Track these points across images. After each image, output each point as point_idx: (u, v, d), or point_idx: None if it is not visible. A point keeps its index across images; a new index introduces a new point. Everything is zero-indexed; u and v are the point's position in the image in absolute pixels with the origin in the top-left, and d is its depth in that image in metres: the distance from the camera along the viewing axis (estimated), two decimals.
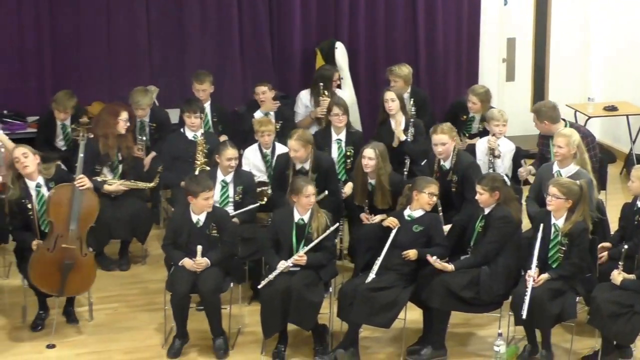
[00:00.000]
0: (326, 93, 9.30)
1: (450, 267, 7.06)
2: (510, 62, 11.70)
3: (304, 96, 9.65)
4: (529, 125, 8.63)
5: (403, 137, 8.59)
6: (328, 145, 8.58)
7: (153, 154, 9.13)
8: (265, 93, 9.27)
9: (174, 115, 9.50)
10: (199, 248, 7.13)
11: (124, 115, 8.49)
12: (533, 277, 6.83)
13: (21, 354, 7.23)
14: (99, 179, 8.29)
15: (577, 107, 11.10)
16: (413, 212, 7.28)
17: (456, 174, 7.94)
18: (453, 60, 11.17)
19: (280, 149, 8.48)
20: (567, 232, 6.95)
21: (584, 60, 11.81)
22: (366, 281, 7.00)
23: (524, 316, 6.77)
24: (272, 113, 9.22)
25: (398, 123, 8.65)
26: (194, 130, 8.68)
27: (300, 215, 7.22)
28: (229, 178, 8.00)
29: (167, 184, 8.76)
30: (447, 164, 8.01)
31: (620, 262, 6.90)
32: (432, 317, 7.16)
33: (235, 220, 7.78)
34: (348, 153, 8.47)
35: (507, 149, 8.50)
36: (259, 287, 7.12)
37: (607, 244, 7.39)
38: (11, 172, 7.52)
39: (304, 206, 7.21)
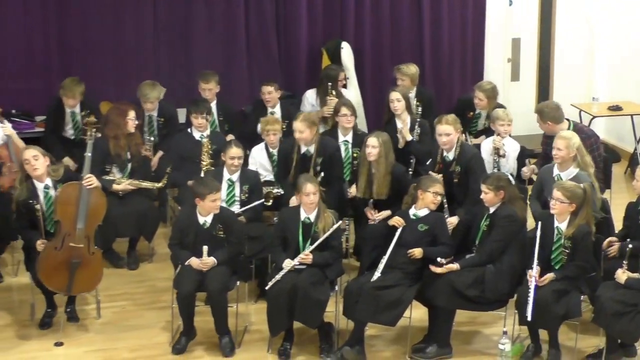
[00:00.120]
0: (334, 93, 9.34)
1: (455, 266, 7.08)
2: (515, 62, 11.72)
3: (310, 96, 9.69)
4: (534, 125, 8.65)
5: (409, 137, 8.59)
6: None
7: (160, 153, 9.17)
8: (271, 93, 9.32)
9: (180, 115, 9.53)
10: (205, 248, 7.15)
11: (132, 114, 8.52)
12: (535, 277, 6.85)
13: (29, 351, 7.25)
14: (107, 177, 8.32)
15: (582, 107, 11.13)
16: (418, 211, 7.31)
17: (459, 165, 7.95)
18: (458, 60, 11.21)
19: None
20: (571, 236, 6.96)
21: (588, 60, 11.82)
22: (372, 280, 7.02)
23: (529, 318, 6.79)
24: (278, 112, 9.25)
25: (404, 123, 8.66)
26: (201, 130, 8.71)
27: (306, 214, 7.26)
28: (235, 177, 8.02)
29: (174, 183, 8.78)
30: (450, 155, 8.02)
31: (624, 261, 6.91)
32: (437, 316, 7.19)
33: (241, 218, 7.82)
34: (355, 155, 8.42)
35: (511, 149, 8.52)
36: (266, 287, 7.14)
37: (614, 238, 7.37)
38: (20, 172, 7.54)
39: (306, 204, 7.24)
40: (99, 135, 8.12)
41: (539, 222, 7.06)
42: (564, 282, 6.93)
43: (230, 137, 9.02)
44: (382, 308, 6.99)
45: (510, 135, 8.62)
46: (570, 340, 7.23)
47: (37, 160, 7.42)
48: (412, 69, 9.49)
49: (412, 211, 7.32)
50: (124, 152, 8.46)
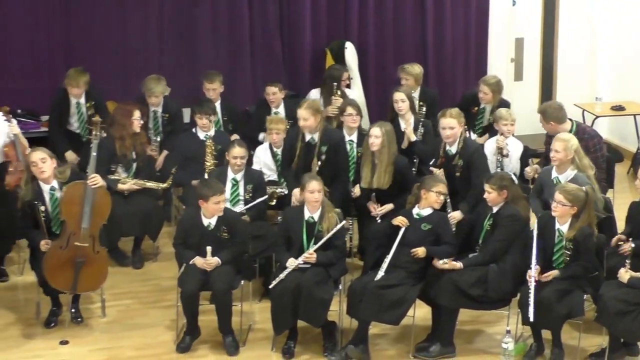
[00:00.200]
0: (339, 93, 9.36)
1: (458, 265, 7.10)
2: (518, 62, 11.74)
3: (314, 95, 9.70)
4: (537, 125, 8.65)
5: (414, 138, 8.57)
6: None
7: (165, 152, 9.19)
8: (275, 94, 9.34)
9: (185, 115, 9.55)
10: (209, 249, 7.18)
11: (137, 114, 8.54)
12: (534, 277, 6.87)
13: (34, 349, 7.28)
14: (112, 177, 8.35)
15: (585, 107, 11.14)
16: (421, 210, 7.33)
17: (462, 159, 7.96)
18: (461, 60, 11.23)
19: None
20: (572, 238, 6.98)
21: (591, 60, 11.83)
22: (375, 279, 7.05)
23: (532, 319, 6.82)
24: (282, 112, 9.28)
25: (408, 123, 8.65)
26: (205, 130, 8.74)
27: (310, 213, 7.29)
28: (239, 176, 8.05)
29: (178, 183, 8.80)
30: (453, 149, 8.02)
31: (627, 260, 6.93)
32: (440, 315, 7.20)
33: (245, 217, 7.85)
34: (360, 154, 8.37)
35: (514, 148, 8.55)
36: (270, 287, 7.17)
37: (622, 236, 7.36)
38: (26, 172, 7.55)
39: (311, 203, 7.26)
40: (104, 134, 8.14)
41: (536, 223, 7.06)
42: (566, 281, 6.95)
43: (235, 136, 9.05)
44: (385, 307, 7.01)
45: (513, 135, 8.65)
46: (573, 339, 7.24)
47: (44, 163, 7.42)
48: (417, 68, 9.50)
49: (415, 211, 7.35)
50: (129, 152, 8.49)
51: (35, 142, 8.99)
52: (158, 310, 7.87)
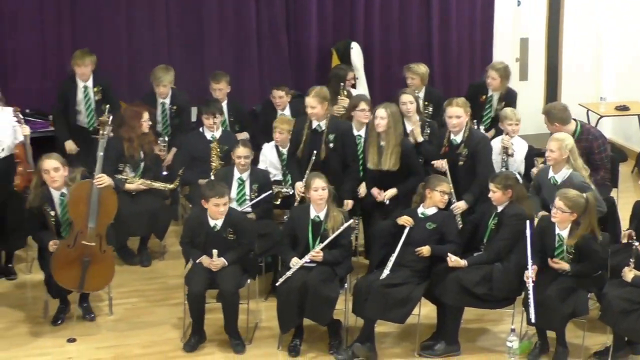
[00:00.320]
0: (346, 93, 9.37)
1: (463, 262, 7.12)
2: (523, 61, 11.75)
3: None
4: (542, 124, 8.66)
5: (420, 139, 8.48)
6: None
7: (174, 150, 9.20)
8: (282, 97, 9.37)
9: (192, 114, 9.61)
10: (215, 252, 7.20)
11: (146, 115, 8.57)
12: (531, 277, 6.88)
13: (42, 347, 7.31)
14: (120, 177, 8.37)
15: (590, 107, 11.17)
16: (426, 209, 7.37)
17: (467, 148, 7.95)
18: (467, 60, 11.25)
19: None
20: (574, 245, 6.98)
21: (596, 60, 11.85)
22: (380, 277, 7.08)
23: (533, 320, 6.84)
24: (287, 114, 9.30)
25: (416, 124, 8.58)
26: (212, 131, 8.78)
27: (316, 212, 7.32)
28: (245, 176, 8.09)
29: (185, 181, 8.82)
30: (458, 138, 8.00)
31: (631, 259, 6.94)
32: (445, 313, 7.23)
33: (251, 215, 7.88)
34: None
35: (519, 148, 8.58)
36: (276, 284, 7.20)
37: (632, 232, 7.35)
38: (35, 176, 7.54)
39: (316, 201, 7.28)
40: (112, 134, 8.17)
41: (529, 223, 7.05)
42: (570, 280, 6.97)
43: (243, 135, 9.08)
44: (391, 305, 7.04)
45: (518, 135, 8.67)
46: (577, 337, 7.25)
47: (57, 172, 7.41)
48: (422, 68, 9.49)
49: (420, 210, 7.38)
50: (137, 152, 8.52)
51: (43, 141, 9.06)
52: (165, 308, 7.90)
